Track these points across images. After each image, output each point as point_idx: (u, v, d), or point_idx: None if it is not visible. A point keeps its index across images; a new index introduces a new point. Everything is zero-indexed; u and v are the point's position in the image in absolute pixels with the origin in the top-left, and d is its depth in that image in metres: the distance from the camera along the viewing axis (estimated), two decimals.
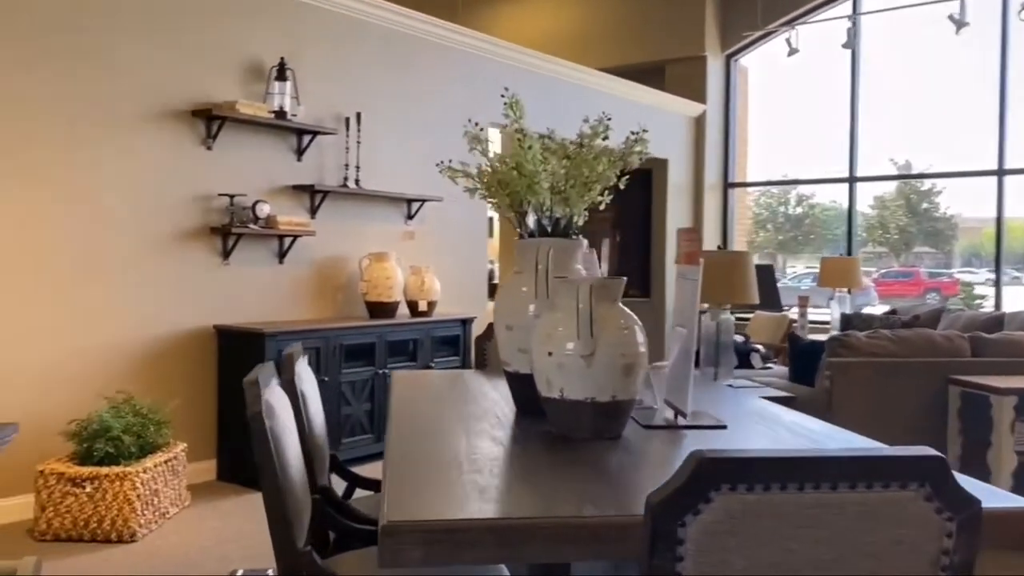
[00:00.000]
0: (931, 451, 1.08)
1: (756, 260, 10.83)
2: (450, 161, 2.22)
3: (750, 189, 10.44)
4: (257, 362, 4.68)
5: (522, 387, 2.03)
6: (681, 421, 2.01)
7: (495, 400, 2.29)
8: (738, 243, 9.93)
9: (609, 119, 2.03)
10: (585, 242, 2.13)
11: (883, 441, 3.61)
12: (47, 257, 4.18)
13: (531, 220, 2.13)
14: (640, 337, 1.82)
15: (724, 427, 1.99)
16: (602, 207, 2.14)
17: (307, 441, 2.09)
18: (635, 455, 1.72)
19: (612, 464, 1.62)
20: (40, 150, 4.14)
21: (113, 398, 4.12)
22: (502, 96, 2.11)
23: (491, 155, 2.09)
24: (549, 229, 2.09)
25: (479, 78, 6.60)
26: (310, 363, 4.94)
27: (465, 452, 1.71)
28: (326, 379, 4.98)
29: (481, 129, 2.10)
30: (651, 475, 1.56)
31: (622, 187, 2.12)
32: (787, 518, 1.04)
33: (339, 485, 2.50)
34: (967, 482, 1.48)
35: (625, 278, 1.86)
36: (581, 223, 2.10)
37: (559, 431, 1.84)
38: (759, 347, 6.30)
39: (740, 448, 1.77)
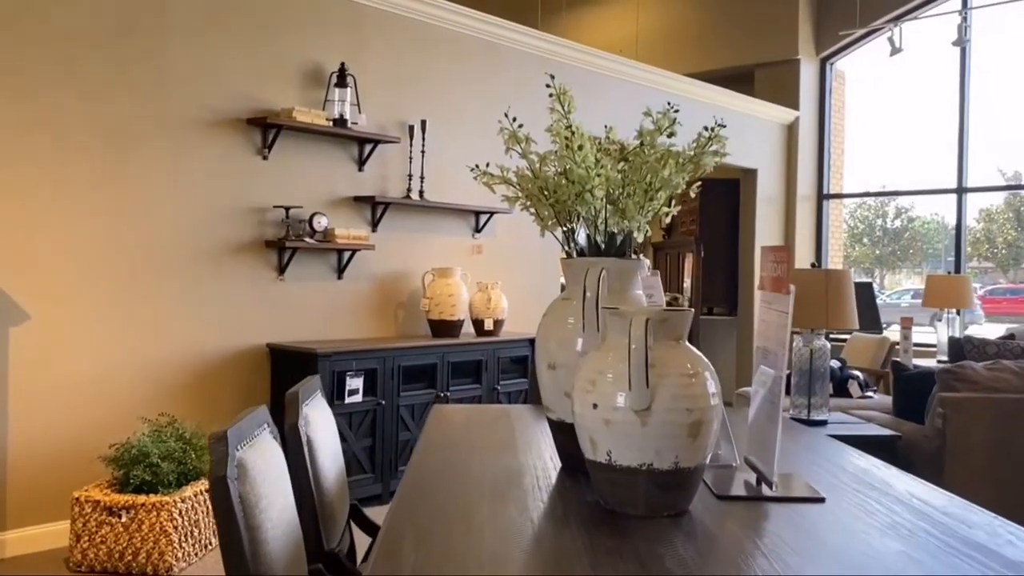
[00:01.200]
0: None
1: (853, 276, 10.15)
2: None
3: (846, 201, 9.77)
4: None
5: (568, 440, 1.66)
6: (766, 490, 1.60)
7: (540, 451, 1.91)
8: (832, 258, 9.28)
9: (676, 111, 1.64)
10: (647, 263, 1.74)
11: (1011, 495, 3.04)
12: (93, 270, 4.00)
13: (581, 235, 1.75)
14: (712, 386, 1.42)
15: (822, 500, 1.57)
16: (667, 219, 1.74)
17: (313, 499, 1.76)
18: (703, 543, 1.32)
19: (668, 558, 1.23)
20: (89, 159, 3.98)
21: (155, 421, 3.91)
22: (547, 86, 1.74)
23: (533, 156, 1.73)
24: (603, 246, 1.72)
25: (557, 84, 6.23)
26: (369, 383, 4.71)
27: (479, 528, 1.34)
28: (383, 402, 4.70)
29: (520, 125, 1.73)
30: None
31: (693, 195, 1.72)
32: None
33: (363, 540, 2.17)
34: None
35: (692, 310, 1.47)
36: (641, 239, 1.72)
37: (607, 504, 1.46)
38: (858, 374, 5.73)
39: (845, 536, 1.35)
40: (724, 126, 1.66)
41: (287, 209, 4.66)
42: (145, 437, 3.76)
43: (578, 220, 1.73)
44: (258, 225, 4.63)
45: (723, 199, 8.90)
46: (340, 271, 5.00)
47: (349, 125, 4.88)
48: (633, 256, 1.71)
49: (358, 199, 5.06)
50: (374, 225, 5.16)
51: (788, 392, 4.25)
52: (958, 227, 8.26)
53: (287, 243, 4.61)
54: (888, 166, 9.52)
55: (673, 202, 1.74)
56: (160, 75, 4.21)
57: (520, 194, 1.76)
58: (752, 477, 1.69)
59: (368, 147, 5.09)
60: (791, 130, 8.88)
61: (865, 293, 7.51)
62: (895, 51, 7.49)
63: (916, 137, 9.34)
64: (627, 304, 1.67)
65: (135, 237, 4.15)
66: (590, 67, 6.65)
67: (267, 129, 4.61)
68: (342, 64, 4.87)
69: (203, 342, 4.41)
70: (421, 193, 5.31)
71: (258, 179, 4.63)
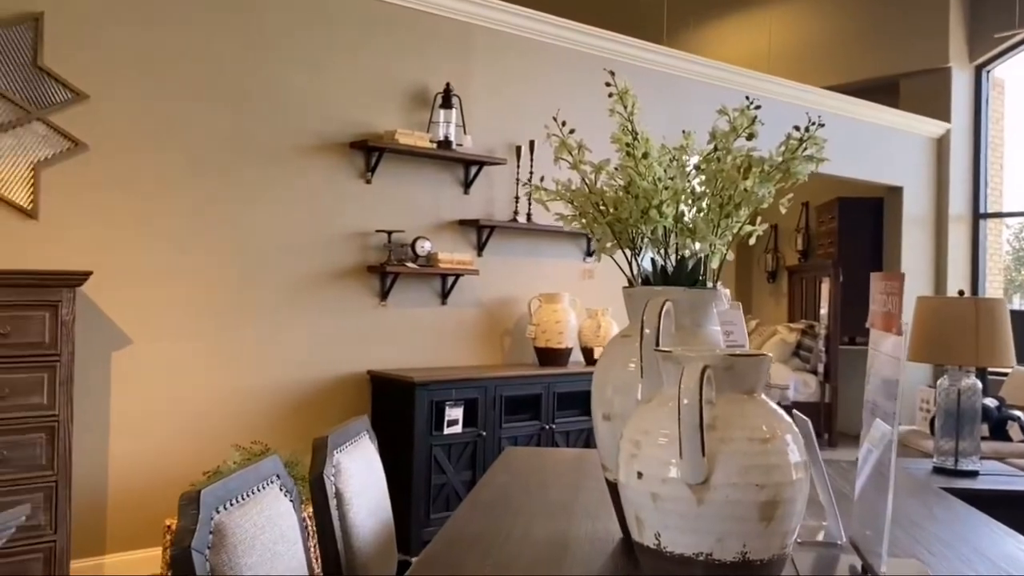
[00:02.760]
0: None
1: (1018, 302, 9.17)
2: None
3: (1009, 220, 8.88)
4: (408, 413, 4.26)
5: None
6: None
7: (601, 517, 1.62)
8: (991, 283, 8.42)
9: (757, 107, 1.34)
10: (725, 293, 1.44)
11: None
12: (194, 294, 4.00)
13: (647, 260, 1.47)
14: (795, 454, 1.10)
15: None
16: (752, 240, 1.44)
17: (339, 561, 1.54)
18: None
19: None
20: (192, 183, 3.99)
21: (248, 448, 3.84)
22: (607, 84, 1.48)
23: (587, 166, 1.47)
24: (670, 273, 1.43)
25: (681, 101, 5.90)
26: (472, 414, 4.50)
27: None
28: (483, 434, 4.48)
29: (572, 131, 1.47)
30: None
31: (783, 211, 1.41)
32: None
33: None
34: None
35: (769, 355, 1.16)
36: (717, 264, 1.42)
37: None
38: (1019, 414, 5.06)
39: None
40: (823, 125, 1.34)
41: (389, 233, 4.55)
42: (235, 465, 3.68)
43: (643, 241, 1.45)
44: (360, 250, 4.54)
45: (865, 219, 8.27)
46: (444, 296, 4.85)
47: (454, 147, 4.74)
48: (708, 285, 1.41)
49: (463, 223, 4.91)
50: (479, 249, 4.98)
51: (932, 435, 3.74)
52: None
53: (389, 268, 4.50)
54: None
55: (759, 220, 1.43)
56: (264, 99, 4.20)
57: (575, 211, 1.50)
58: (859, 562, 1.35)
59: (474, 169, 4.93)
60: (941, 144, 8.14)
61: None
62: None
63: None
64: (699, 344, 1.37)
65: (237, 262, 4.13)
66: (715, 82, 6.28)
67: (370, 152, 4.53)
68: (447, 85, 4.74)
69: (304, 369, 4.34)
70: (529, 216, 5.10)
71: (361, 203, 4.54)
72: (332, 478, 1.61)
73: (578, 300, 5.17)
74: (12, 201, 3.49)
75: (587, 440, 4.83)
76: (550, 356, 4.93)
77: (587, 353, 5.12)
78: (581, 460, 2.15)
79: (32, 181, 3.53)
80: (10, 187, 3.49)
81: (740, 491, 1.06)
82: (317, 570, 1.82)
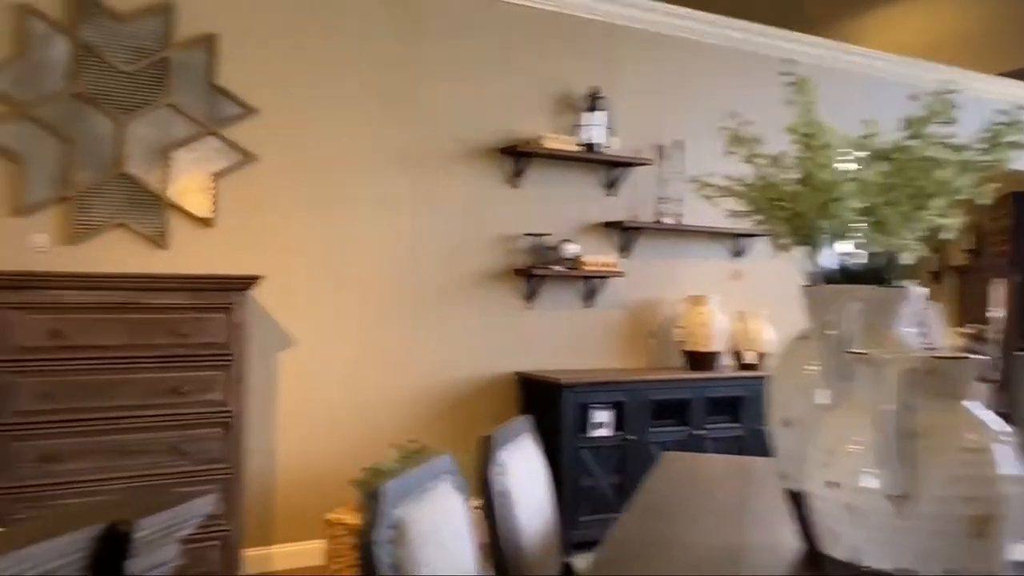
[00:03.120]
0: None
1: None
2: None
3: None
4: (555, 415, 4.26)
5: (810, 516, 1.30)
6: None
7: (775, 525, 1.55)
8: None
9: (952, 92, 1.25)
10: (920, 293, 1.34)
11: None
12: (347, 297, 4.15)
13: (829, 257, 1.40)
14: (1008, 465, 1.01)
15: None
16: (951, 235, 1.34)
17: (504, 559, 1.55)
18: None
19: None
20: (352, 193, 4.14)
21: (405, 446, 3.94)
22: (782, 73, 1.42)
23: (762, 159, 1.41)
24: (856, 271, 1.35)
25: (836, 94, 5.62)
26: (619, 417, 4.45)
27: None
28: (632, 438, 4.42)
29: (750, 122, 1.42)
30: None
31: (991, 202, 1.30)
32: None
33: None
34: None
35: (977, 358, 1.07)
36: (911, 261, 1.33)
37: None
38: None
39: None
40: None
41: (536, 236, 4.58)
42: (393, 463, 3.79)
43: (825, 236, 1.38)
44: (508, 253, 4.59)
45: None
46: (588, 298, 4.82)
47: (600, 149, 4.71)
48: (896, 284, 1.32)
49: (607, 225, 4.87)
50: (624, 251, 4.93)
51: None
52: None
53: (535, 271, 4.52)
54: None
55: (956, 211, 1.33)
56: (419, 108, 4.31)
57: (750, 207, 1.44)
58: None
59: (618, 171, 4.88)
60: None
61: None
62: None
63: None
64: (890, 346, 1.29)
65: (393, 266, 4.26)
66: (872, 71, 5.97)
67: (518, 157, 4.57)
68: (593, 87, 4.72)
69: (453, 369, 4.43)
70: (674, 216, 5.00)
71: (508, 207, 4.59)
72: (499, 477, 1.62)
73: (728, 302, 5.02)
74: (192, 211, 3.74)
75: (739, 447, 4.68)
76: (697, 360, 4.81)
77: (738, 357, 4.96)
78: (743, 467, 2.08)
79: (210, 192, 3.77)
80: (191, 197, 3.75)
81: (948, 505, 0.98)
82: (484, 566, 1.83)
